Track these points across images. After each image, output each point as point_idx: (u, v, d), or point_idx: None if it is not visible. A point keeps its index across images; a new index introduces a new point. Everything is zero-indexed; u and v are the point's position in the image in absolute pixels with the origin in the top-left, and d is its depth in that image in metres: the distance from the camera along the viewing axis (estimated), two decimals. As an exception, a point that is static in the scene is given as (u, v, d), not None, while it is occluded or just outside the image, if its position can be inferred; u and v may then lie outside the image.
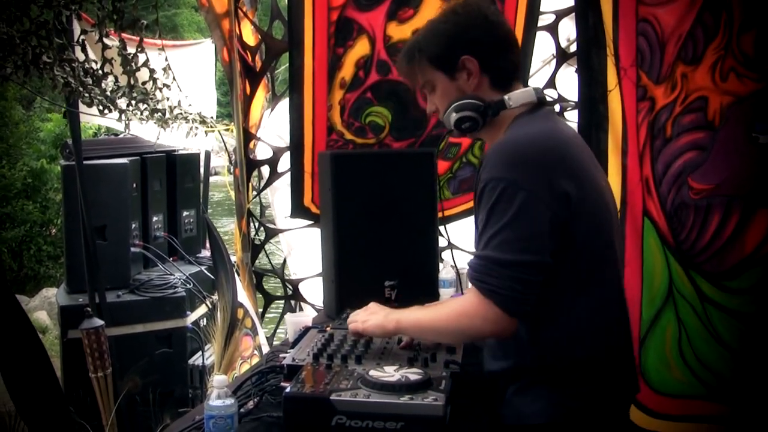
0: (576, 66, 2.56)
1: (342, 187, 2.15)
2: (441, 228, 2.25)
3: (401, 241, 2.19)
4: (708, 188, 2.22)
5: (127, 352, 3.32)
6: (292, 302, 2.97)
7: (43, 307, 6.54)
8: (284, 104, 2.74)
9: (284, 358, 1.57)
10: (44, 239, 7.47)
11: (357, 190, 2.16)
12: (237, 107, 2.73)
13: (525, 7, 2.60)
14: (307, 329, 1.81)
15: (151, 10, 2.54)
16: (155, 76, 2.69)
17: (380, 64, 2.59)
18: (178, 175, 4.16)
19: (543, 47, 2.79)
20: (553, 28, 2.70)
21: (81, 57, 2.37)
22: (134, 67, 2.45)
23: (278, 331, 3.47)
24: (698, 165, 2.23)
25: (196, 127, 3.68)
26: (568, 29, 2.76)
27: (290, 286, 2.94)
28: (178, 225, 4.17)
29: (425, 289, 2.16)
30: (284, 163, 2.76)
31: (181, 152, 4.28)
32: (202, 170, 4.68)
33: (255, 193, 2.98)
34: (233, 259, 3.03)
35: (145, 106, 2.95)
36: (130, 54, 2.40)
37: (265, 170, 2.89)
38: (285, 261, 3.14)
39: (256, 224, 2.95)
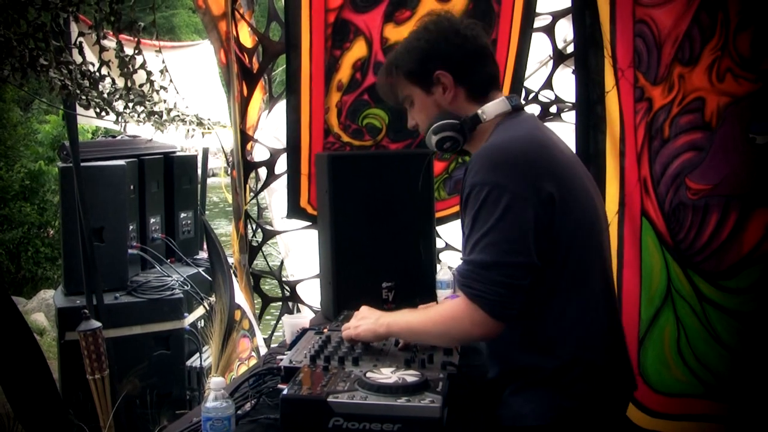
0: (573, 67, 2.57)
1: (339, 188, 2.15)
2: (438, 228, 2.24)
3: (398, 243, 2.19)
4: (706, 188, 2.23)
5: (125, 353, 3.31)
6: (290, 304, 2.97)
7: (41, 309, 6.52)
8: (281, 106, 2.74)
9: (281, 360, 1.57)
10: (42, 241, 7.45)
11: (354, 191, 2.16)
12: (234, 109, 2.72)
13: (521, 8, 2.60)
14: (304, 331, 1.81)
15: (148, 12, 2.54)
16: (152, 78, 2.69)
17: (377, 65, 2.58)
18: (175, 176, 4.15)
19: (540, 48, 2.78)
20: (550, 30, 2.70)
21: (78, 59, 2.37)
22: (131, 69, 2.45)
23: (275, 332, 3.46)
24: (696, 165, 2.24)
25: (194, 129, 3.68)
26: (565, 30, 2.76)
27: (287, 288, 2.94)
28: (175, 227, 4.17)
29: (422, 291, 2.16)
30: (281, 164, 2.76)
31: (178, 154, 4.28)
32: (199, 172, 4.67)
33: (252, 194, 2.98)
34: (231, 260, 3.02)
35: (143, 108, 2.94)
36: (127, 56, 2.40)
37: (263, 172, 2.89)
38: (282, 263, 3.14)
39: (254, 226, 2.94)
